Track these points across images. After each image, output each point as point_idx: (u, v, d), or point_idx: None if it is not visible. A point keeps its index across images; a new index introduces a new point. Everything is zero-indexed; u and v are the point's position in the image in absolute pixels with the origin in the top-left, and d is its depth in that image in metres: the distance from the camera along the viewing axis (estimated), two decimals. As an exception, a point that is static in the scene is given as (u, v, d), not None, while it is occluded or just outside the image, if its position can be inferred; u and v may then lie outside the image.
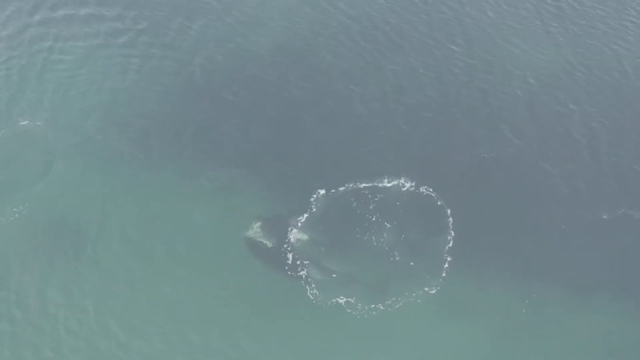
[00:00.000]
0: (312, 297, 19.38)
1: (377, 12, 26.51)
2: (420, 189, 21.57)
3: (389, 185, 21.66)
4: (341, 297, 19.39)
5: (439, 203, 21.35)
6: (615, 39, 25.50)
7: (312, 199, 21.33)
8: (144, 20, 25.72)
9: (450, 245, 20.54)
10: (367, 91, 24.07)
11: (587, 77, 24.30)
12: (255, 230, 20.40)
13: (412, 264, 20.13)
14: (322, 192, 21.54)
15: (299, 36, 25.25)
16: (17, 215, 20.33)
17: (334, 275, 19.81)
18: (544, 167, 22.18)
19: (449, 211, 21.12)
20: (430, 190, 21.55)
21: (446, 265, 20.21)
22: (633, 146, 22.79)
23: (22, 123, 22.38)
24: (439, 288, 19.69)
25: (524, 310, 19.41)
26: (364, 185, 21.62)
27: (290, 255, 20.13)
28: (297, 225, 20.72)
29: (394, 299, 19.36)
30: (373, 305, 19.19)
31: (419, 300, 19.31)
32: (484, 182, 21.93)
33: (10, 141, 21.99)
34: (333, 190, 21.55)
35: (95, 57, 24.49)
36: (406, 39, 25.53)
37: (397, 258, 20.23)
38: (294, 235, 20.57)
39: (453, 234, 20.72)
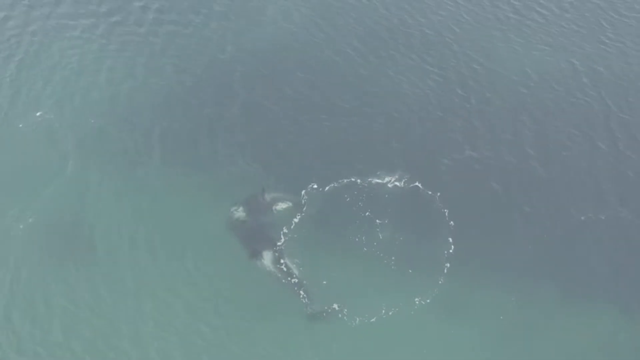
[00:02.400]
0: (304, 302, 18.39)
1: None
2: (415, 186, 20.83)
3: (383, 182, 20.84)
4: (334, 305, 18.39)
5: (436, 204, 20.59)
6: (595, 57, 25.48)
7: (303, 193, 20.41)
8: (145, 18, 25.28)
9: (450, 250, 19.73)
10: (358, 92, 23.43)
11: (567, 88, 24.32)
12: (238, 215, 19.61)
13: (408, 269, 19.20)
14: (314, 187, 20.57)
15: (287, 41, 24.89)
16: (34, 218, 19.47)
17: (325, 282, 18.77)
18: (532, 170, 21.84)
19: (446, 212, 20.34)
20: (427, 190, 20.80)
21: (445, 271, 19.30)
22: (621, 151, 22.50)
23: (37, 114, 21.92)
24: (435, 296, 18.77)
25: (526, 318, 18.68)
26: (359, 181, 20.79)
27: (281, 257, 19.09)
28: (290, 224, 19.69)
29: (388, 306, 18.39)
30: (367, 315, 18.26)
31: (412, 311, 18.42)
32: (477, 184, 21.36)
33: (29, 136, 21.43)
34: (325, 187, 20.65)
35: (97, 53, 23.88)
36: (404, 38, 25.20)
37: (393, 262, 19.31)
38: (284, 233, 19.50)
39: (451, 240, 19.88)
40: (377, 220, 19.99)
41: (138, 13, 25.39)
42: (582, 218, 20.70)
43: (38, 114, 21.86)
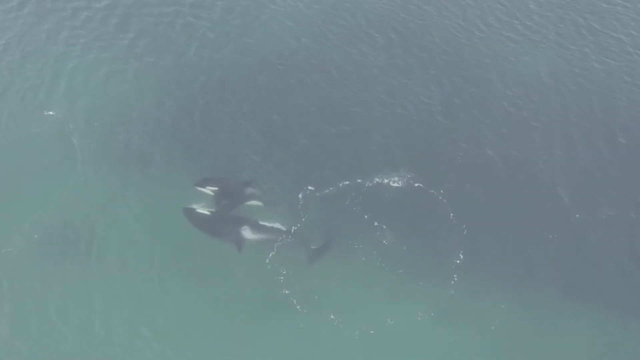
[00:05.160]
0: (299, 310, 17.04)
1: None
2: (418, 187, 19.66)
3: (384, 183, 19.64)
4: (331, 316, 17.04)
5: (442, 206, 19.38)
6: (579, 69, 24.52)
7: (300, 197, 19.16)
8: (150, 24, 24.45)
9: (459, 257, 18.39)
10: (360, 94, 22.44)
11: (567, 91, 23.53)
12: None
13: (412, 278, 17.86)
14: (312, 189, 19.31)
15: (291, 42, 24.04)
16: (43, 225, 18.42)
17: (321, 292, 17.45)
18: (535, 169, 20.95)
19: (451, 215, 19.14)
20: (431, 191, 19.64)
21: (452, 282, 17.94)
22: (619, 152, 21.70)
23: (49, 113, 21.06)
24: (442, 307, 17.46)
25: (542, 330, 17.46)
26: (358, 181, 19.59)
27: (275, 264, 17.78)
28: (285, 230, 18.32)
29: (389, 318, 17.09)
30: (366, 326, 16.94)
31: (416, 324, 17.10)
32: (481, 185, 20.25)
33: (41, 139, 20.48)
34: (323, 190, 19.39)
35: (103, 56, 23.04)
36: (402, 42, 24.41)
37: (395, 270, 17.96)
38: (280, 241, 18.10)
39: (460, 246, 18.56)
40: (376, 223, 18.71)
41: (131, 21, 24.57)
42: (581, 216, 19.73)
43: (49, 113, 21.13)
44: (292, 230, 18.11)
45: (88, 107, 21.24)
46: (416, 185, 19.70)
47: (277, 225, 18.13)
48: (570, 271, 18.58)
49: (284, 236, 18.02)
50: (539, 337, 17.26)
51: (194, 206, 18.29)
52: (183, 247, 18.08)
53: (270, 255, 17.82)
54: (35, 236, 18.09)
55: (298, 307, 17.09)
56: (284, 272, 17.59)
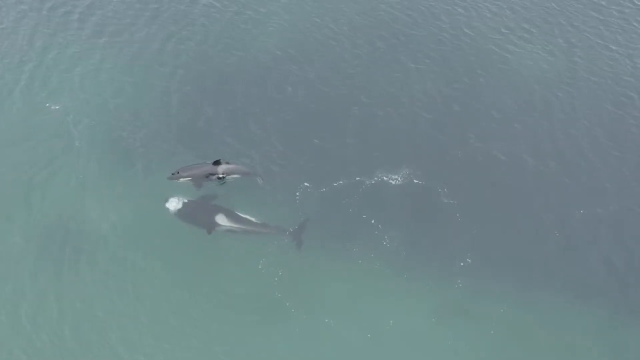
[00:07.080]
0: (294, 314, 16.33)
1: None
2: (420, 185, 19.05)
3: (385, 181, 18.99)
4: (325, 319, 16.28)
5: (446, 204, 18.75)
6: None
7: (296, 195, 18.51)
8: (151, 26, 24.00)
9: (465, 259, 17.68)
10: (360, 94, 21.94)
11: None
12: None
13: (413, 281, 17.12)
14: (307, 185, 18.68)
15: (290, 40, 23.69)
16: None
17: (315, 295, 16.76)
18: (544, 168, 20.47)
19: (458, 215, 18.48)
20: (435, 188, 19.03)
21: (456, 285, 17.18)
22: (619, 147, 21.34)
23: (50, 108, 20.60)
24: (443, 312, 16.72)
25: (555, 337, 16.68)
26: (357, 179, 18.97)
27: (267, 264, 17.10)
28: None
29: (388, 322, 16.43)
30: (364, 330, 16.22)
31: (416, 329, 16.42)
32: (486, 182, 19.77)
33: (43, 128, 20.07)
34: (320, 188, 18.73)
35: (102, 55, 22.63)
36: (403, 44, 24.04)
37: (395, 273, 17.23)
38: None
39: (466, 248, 17.82)
40: (373, 221, 18.03)
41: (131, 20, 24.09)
42: (586, 212, 19.20)
43: (50, 108, 20.68)
44: (267, 220, 17.55)
45: (88, 106, 20.72)
46: (417, 182, 19.02)
47: (251, 216, 17.65)
48: (576, 270, 17.95)
49: (258, 228, 17.41)
50: (547, 340, 16.56)
51: (174, 199, 17.88)
52: (179, 248, 17.47)
53: (262, 261, 17.12)
54: (32, 235, 17.47)
55: (293, 310, 16.37)
56: (280, 274, 16.89)
